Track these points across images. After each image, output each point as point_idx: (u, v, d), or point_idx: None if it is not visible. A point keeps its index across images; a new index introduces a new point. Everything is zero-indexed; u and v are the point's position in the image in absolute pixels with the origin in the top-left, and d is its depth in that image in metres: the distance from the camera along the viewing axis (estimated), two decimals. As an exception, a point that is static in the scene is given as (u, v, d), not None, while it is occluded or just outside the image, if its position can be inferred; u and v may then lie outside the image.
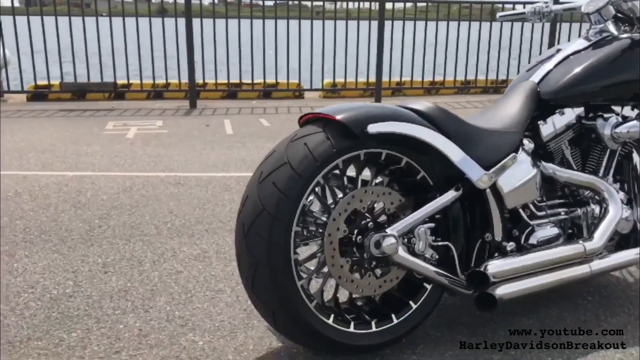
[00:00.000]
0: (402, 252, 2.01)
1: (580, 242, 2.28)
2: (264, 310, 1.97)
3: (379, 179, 2.19)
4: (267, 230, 1.85)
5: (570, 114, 2.42)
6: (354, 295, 2.18)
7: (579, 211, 2.45)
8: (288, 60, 8.25)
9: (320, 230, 1.99)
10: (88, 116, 7.10)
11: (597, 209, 2.44)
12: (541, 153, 2.39)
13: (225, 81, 8.44)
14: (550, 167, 2.35)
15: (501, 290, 2.05)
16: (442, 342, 2.05)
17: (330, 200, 2.06)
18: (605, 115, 2.45)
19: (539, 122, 2.38)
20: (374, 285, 2.05)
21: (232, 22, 8.03)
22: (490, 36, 8.54)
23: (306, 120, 2.04)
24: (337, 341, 1.99)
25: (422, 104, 2.12)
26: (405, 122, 1.99)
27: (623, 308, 2.32)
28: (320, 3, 8.37)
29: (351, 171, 2.08)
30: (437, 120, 2.08)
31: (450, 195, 2.09)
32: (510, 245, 2.22)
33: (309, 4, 8.42)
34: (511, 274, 2.10)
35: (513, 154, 2.19)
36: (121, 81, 8.28)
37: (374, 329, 2.06)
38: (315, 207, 2.08)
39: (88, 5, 8.69)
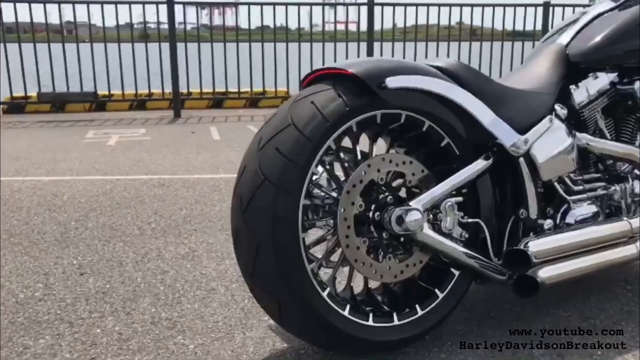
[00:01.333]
0: (427, 230, 1.71)
1: (625, 218, 1.99)
2: (268, 301, 1.66)
3: (396, 150, 1.90)
4: (271, 204, 1.55)
5: (604, 79, 2.16)
6: (370, 284, 1.87)
7: (617, 187, 2.17)
8: (275, 68, 7.98)
9: (331, 207, 1.69)
10: (67, 126, 6.76)
11: (637, 185, 2.16)
12: (573, 122, 2.12)
13: (211, 90, 8.15)
14: (584, 137, 2.07)
15: (544, 273, 1.76)
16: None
17: (341, 174, 1.76)
18: (641, 79, 2.19)
19: (570, 87, 2.11)
20: (394, 270, 1.74)
21: (217, 40, 7.82)
22: (470, 56, 8.34)
23: (312, 81, 1.75)
24: (355, 337, 1.68)
25: (445, 60, 1.84)
26: (431, 77, 1.70)
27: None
28: (307, 28, 8.15)
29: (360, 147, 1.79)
30: (463, 78, 1.80)
31: (480, 164, 1.81)
32: (548, 224, 1.93)
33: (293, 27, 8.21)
34: (554, 253, 1.81)
35: (549, 116, 1.91)
36: (102, 92, 7.96)
37: (396, 322, 1.75)
38: (323, 182, 1.79)
39: (70, 31, 8.39)
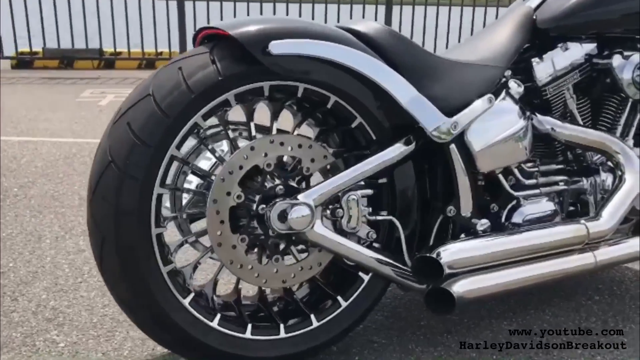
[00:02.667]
0: (320, 228, 1.42)
1: (583, 221, 1.66)
2: (120, 304, 1.40)
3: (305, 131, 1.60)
4: (114, 192, 1.28)
5: (577, 50, 1.79)
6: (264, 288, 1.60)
7: (585, 182, 1.83)
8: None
9: (206, 198, 1.41)
10: (69, 84, 6.56)
11: (609, 178, 1.81)
12: (536, 102, 1.77)
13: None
14: (547, 121, 1.73)
15: (461, 287, 1.45)
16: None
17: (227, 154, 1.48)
18: (626, 53, 1.81)
19: (532, 60, 1.76)
20: (283, 273, 1.47)
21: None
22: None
23: (202, 41, 1.45)
24: (225, 352, 1.41)
25: (365, 23, 1.52)
26: (330, 42, 1.39)
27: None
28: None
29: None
30: (383, 46, 1.49)
31: (397, 151, 1.50)
32: (483, 224, 1.61)
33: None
34: (476, 263, 1.49)
35: (489, 95, 1.57)
36: (108, 49, 7.76)
37: (282, 334, 1.48)
38: (205, 166, 1.51)
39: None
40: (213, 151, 1.47)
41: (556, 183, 1.78)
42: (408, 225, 1.56)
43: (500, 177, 1.66)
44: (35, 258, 2.18)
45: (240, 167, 1.38)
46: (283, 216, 1.37)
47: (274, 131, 1.48)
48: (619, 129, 1.87)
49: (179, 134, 1.32)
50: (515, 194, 1.68)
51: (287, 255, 1.49)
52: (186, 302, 1.38)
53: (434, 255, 1.44)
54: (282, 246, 1.46)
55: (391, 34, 1.52)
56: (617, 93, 1.84)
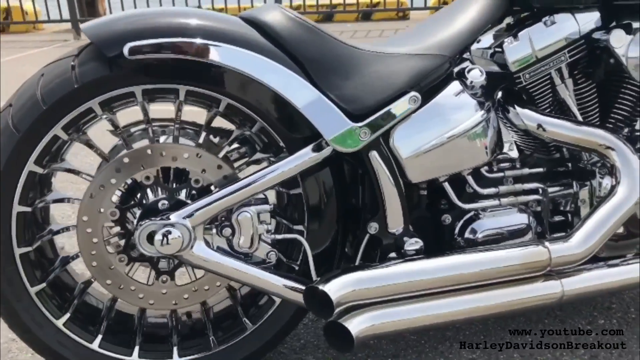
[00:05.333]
0: (201, 250, 1.27)
1: (547, 242, 1.35)
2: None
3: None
4: None
5: (566, 24, 1.42)
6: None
7: (573, 190, 1.49)
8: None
9: None
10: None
11: (604, 186, 1.47)
12: (511, 92, 1.46)
13: (314, 2, 7.60)
14: (519, 114, 1.42)
15: (359, 324, 1.23)
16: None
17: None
18: (635, 25, 1.42)
19: (505, 41, 1.43)
20: (174, 295, 1.34)
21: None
22: None
23: None
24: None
25: (270, 12, 1.30)
26: (197, 40, 1.20)
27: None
28: None
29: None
30: (286, 38, 1.28)
31: (301, 159, 1.29)
32: (414, 243, 1.36)
33: None
34: (375, 296, 1.25)
35: (412, 94, 1.30)
36: None
37: (175, 358, 1.36)
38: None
39: None
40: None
41: (528, 192, 1.47)
42: (320, 244, 1.36)
43: (447, 186, 1.39)
44: None
45: (113, 182, 1.25)
46: (150, 238, 1.23)
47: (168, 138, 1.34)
48: (617, 119, 1.51)
49: (35, 149, 1.21)
50: (466, 206, 1.41)
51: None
52: (60, 322, 1.31)
53: (323, 287, 1.23)
54: (170, 266, 1.33)
55: (296, 23, 1.28)
56: (621, 78, 1.46)
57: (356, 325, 1.22)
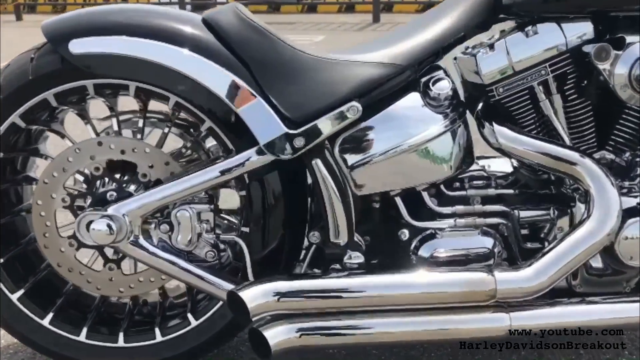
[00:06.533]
0: (137, 244, 1.30)
1: (497, 272, 1.25)
2: None
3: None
4: None
5: (550, 35, 1.30)
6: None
7: (552, 214, 1.37)
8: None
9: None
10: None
11: (584, 211, 1.33)
12: (484, 106, 1.37)
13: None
14: (499, 131, 1.32)
15: (276, 334, 1.21)
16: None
17: None
18: (629, 39, 1.27)
19: (480, 51, 1.33)
20: (120, 282, 1.39)
21: None
22: None
23: None
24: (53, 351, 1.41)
25: (224, 13, 1.31)
26: (139, 39, 1.23)
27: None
28: None
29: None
30: (235, 40, 1.27)
31: (243, 161, 1.28)
32: (355, 257, 1.31)
33: None
34: (291, 308, 1.22)
35: (352, 103, 1.24)
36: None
37: (120, 343, 1.42)
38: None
39: None
40: (36, 152, 1.43)
41: (492, 214, 1.36)
42: (263, 248, 1.34)
43: (399, 201, 1.33)
44: None
45: (64, 170, 1.32)
46: (88, 228, 1.28)
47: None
48: (623, 147, 1.36)
49: None
50: (417, 224, 1.33)
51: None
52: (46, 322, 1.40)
53: (241, 294, 1.21)
54: (119, 255, 1.38)
55: (246, 25, 1.27)
56: (608, 97, 1.31)
57: (274, 334, 1.20)
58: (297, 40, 1.35)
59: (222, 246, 1.36)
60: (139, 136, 1.38)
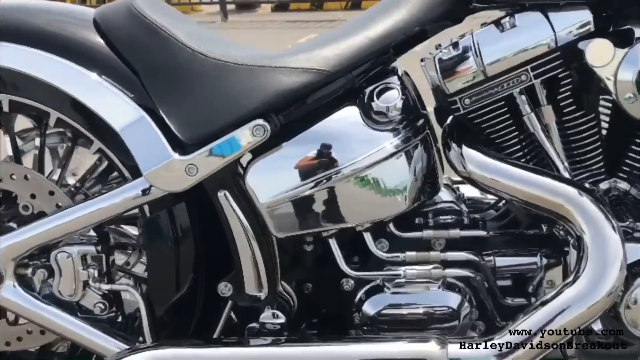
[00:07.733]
0: (7, 292, 1.06)
1: (449, 342, 0.95)
2: None
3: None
4: None
5: (532, 29, 0.98)
6: None
7: (540, 263, 1.05)
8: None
9: None
10: (287, 28, 6.69)
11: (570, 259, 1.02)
12: (459, 122, 1.06)
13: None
14: (465, 154, 1.01)
15: None
16: None
17: None
18: (638, 33, 0.94)
19: (444, 51, 1.02)
20: (4, 334, 1.15)
21: None
22: None
23: None
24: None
25: (115, 7, 1.05)
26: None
27: None
28: None
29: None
30: (122, 42, 1.01)
31: (133, 188, 1.02)
32: (273, 316, 1.03)
33: None
34: None
35: (258, 121, 0.95)
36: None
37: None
38: None
39: None
40: None
41: (452, 263, 1.05)
42: (164, 301, 1.08)
43: (333, 244, 1.03)
44: None
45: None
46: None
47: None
48: (597, 165, 1.03)
49: None
50: (356, 274, 1.03)
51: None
52: None
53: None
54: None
55: (139, 24, 1.00)
56: (615, 108, 0.98)
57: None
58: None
59: (114, 297, 1.11)
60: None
